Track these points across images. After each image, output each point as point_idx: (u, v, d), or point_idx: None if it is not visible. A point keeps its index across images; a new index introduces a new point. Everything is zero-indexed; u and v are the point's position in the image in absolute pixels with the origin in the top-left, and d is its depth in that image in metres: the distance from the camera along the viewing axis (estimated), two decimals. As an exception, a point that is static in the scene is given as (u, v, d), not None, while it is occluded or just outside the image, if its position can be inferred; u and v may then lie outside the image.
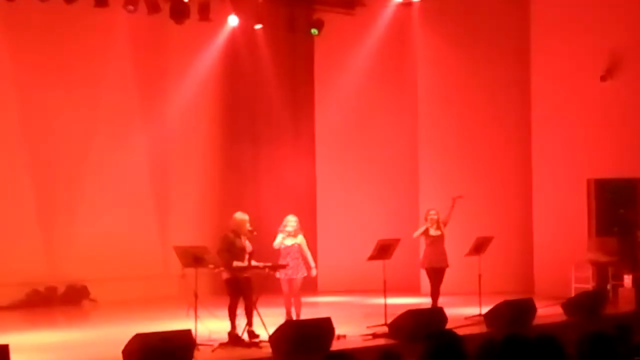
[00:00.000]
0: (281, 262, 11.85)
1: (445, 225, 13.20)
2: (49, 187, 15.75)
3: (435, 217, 13.18)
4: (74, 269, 15.60)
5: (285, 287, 12.01)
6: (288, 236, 11.98)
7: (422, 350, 4.59)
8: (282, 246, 11.94)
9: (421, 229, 13.30)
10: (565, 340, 5.20)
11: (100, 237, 15.89)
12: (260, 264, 11.16)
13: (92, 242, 15.79)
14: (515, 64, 16.77)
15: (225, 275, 10.98)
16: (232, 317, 10.85)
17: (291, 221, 12.08)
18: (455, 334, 5.15)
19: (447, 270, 13.15)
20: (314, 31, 16.84)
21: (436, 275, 13.10)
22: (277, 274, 11.86)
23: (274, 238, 12.06)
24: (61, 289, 15.59)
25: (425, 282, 16.39)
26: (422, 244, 14.54)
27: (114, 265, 15.85)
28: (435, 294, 13.04)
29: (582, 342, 4.93)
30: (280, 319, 10.49)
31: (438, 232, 13.15)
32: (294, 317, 11.83)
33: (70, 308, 15.21)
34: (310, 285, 15.89)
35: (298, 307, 12.05)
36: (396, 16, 17.53)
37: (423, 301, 14.10)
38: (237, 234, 11.09)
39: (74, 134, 15.96)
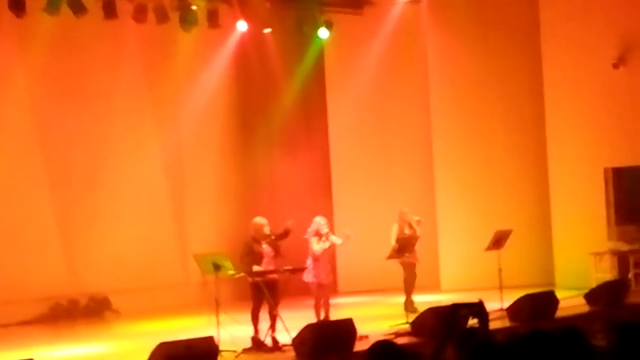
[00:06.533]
0: (315, 266, 11.74)
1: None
2: (67, 200, 15.82)
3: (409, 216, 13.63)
4: (96, 280, 15.67)
5: (316, 291, 11.94)
6: (322, 239, 11.86)
7: (456, 351, 4.61)
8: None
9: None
10: (590, 331, 5.19)
11: (120, 247, 15.95)
12: (280, 268, 11.17)
13: (112, 252, 15.85)
14: (526, 55, 16.71)
15: (250, 279, 11.02)
16: (255, 322, 10.88)
17: (324, 223, 11.95)
18: (487, 334, 5.14)
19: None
20: (322, 33, 16.84)
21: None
22: (308, 278, 11.79)
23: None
24: (83, 302, 15.66)
25: (446, 279, 16.49)
26: (440, 241, 14.61)
27: (134, 275, 15.90)
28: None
29: (610, 332, 4.92)
30: (302, 322, 10.49)
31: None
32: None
33: (93, 320, 15.26)
34: (328, 281, 15.90)
35: (328, 309, 12.02)
36: (405, 14, 17.50)
37: (444, 298, 14.08)
38: (256, 239, 11.12)
39: (89, 145, 16.03)
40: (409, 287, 13.35)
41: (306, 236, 11.95)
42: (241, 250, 11.07)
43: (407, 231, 13.41)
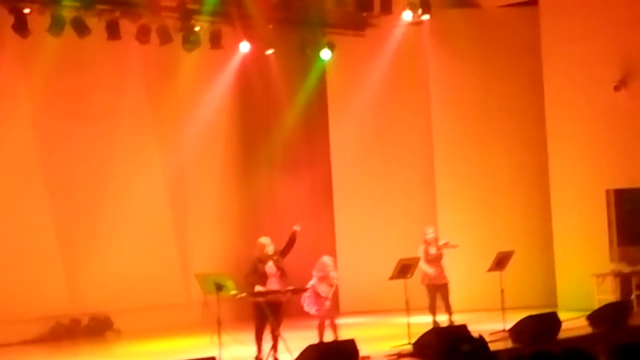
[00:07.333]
0: (317, 301, 11.65)
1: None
2: (69, 219, 15.82)
3: (433, 235, 13.73)
4: (97, 300, 15.65)
5: (321, 321, 11.85)
6: (329, 281, 11.76)
7: None
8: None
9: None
10: (592, 353, 5.18)
11: (122, 267, 15.94)
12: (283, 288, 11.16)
13: (114, 272, 15.83)
14: (527, 76, 16.76)
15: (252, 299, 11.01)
16: (258, 342, 10.86)
17: (330, 264, 11.84)
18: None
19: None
20: (325, 54, 16.91)
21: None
22: (309, 310, 11.72)
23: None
24: (84, 321, 15.63)
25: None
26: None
27: (136, 295, 15.89)
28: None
29: (613, 354, 4.91)
30: (304, 343, 10.47)
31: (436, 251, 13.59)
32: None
33: (94, 340, 15.24)
34: (331, 307, 15.87)
35: (335, 329, 11.90)
36: (406, 35, 17.56)
37: (446, 319, 14.03)
38: (261, 259, 11.13)
39: (91, 164, 16.07)
40: (447, 307, 13.48)
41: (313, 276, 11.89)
42: (246, 269, 11.09)
43: (432, 251, 13.47)
